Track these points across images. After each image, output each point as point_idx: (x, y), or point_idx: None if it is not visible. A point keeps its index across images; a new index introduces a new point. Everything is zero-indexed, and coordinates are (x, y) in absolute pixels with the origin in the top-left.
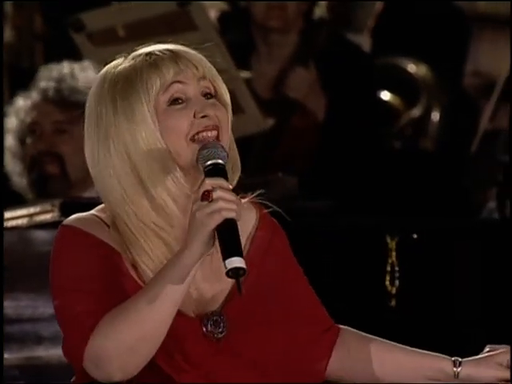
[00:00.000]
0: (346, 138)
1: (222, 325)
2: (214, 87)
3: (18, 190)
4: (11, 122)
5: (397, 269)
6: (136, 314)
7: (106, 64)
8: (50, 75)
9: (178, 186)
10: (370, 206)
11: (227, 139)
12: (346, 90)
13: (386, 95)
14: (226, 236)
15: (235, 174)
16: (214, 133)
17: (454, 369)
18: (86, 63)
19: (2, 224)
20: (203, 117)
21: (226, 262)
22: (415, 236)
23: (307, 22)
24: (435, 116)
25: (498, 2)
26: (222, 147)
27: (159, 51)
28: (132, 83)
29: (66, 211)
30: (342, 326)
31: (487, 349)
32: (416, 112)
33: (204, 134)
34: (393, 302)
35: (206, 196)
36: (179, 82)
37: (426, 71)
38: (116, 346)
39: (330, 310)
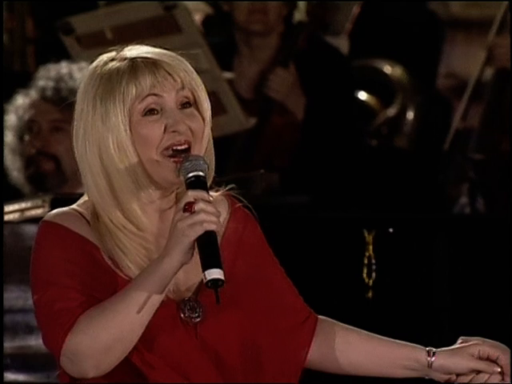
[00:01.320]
0: (324, 137)
1: (198, 310)
2: (194, 96)
3: (16, 185)
4: (10, 120)
5: (373, 262)
6: (114, 316)
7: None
8: (48, 75)
9: (146, 194)
10: (348, 202)
11: (200, 148)
12: (325, 91)
13: (363, 95)
14: (206, 247)
15: (210, 174)
16: (184, 147)
17: (428, 358)
18: (84, 64)
19: (2, 219)
20: (174, 131)
21: (206, 272)
22: (391, 230)
23: (287, 26)
24: (410, 115)
25: (471, 7)
26: (204, 160)
27: (142, 59)
28: (112, 88)
29: (56, 207)
30: (320, 316)
31: (460, 340)
32: (391, 111)
33: (173, 148)
34: (370, 294)
35: (189, 207)
36: (155, 94)
37: (402, 72)
38: (92, 345)
39: (310, 300)
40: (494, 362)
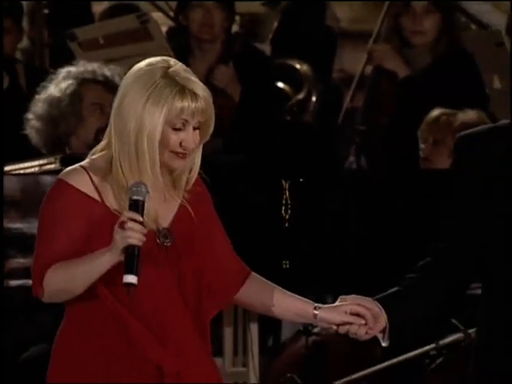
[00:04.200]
0: (254, 114)
1: (170, 236)
2: (206, 122)
3: (36, 146)
4: (55, 92)
5: (289, 202)
6: (65, 278)
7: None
8: (101, 71)
9: (154, 163)
10: (270, 160)
11: (193, 154)
12: (254, 81)
13: (280, 84)
14: (129, 257)
15: (193, 175)
16: (184, 156)
17: (315, 311)
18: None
19: (2, 193)
20: (185, 146)
21: (124, 276)
22: (301, 180)
23: (227, 35)
24: (314, 98)
25: (355, 23)
26: (145, 186)
27: (189, 90)
28: (163, 97)
29: (64, 163)
30: (252, 272)
31: (339, 300)
32: (301, 96)
33: (178, 154)
34: (286, 224)
35: (122, 225)
36: (186, 120)
37: (308, 68)
38: (47, 289)
39: (245, 229)
40: (362, 316)
